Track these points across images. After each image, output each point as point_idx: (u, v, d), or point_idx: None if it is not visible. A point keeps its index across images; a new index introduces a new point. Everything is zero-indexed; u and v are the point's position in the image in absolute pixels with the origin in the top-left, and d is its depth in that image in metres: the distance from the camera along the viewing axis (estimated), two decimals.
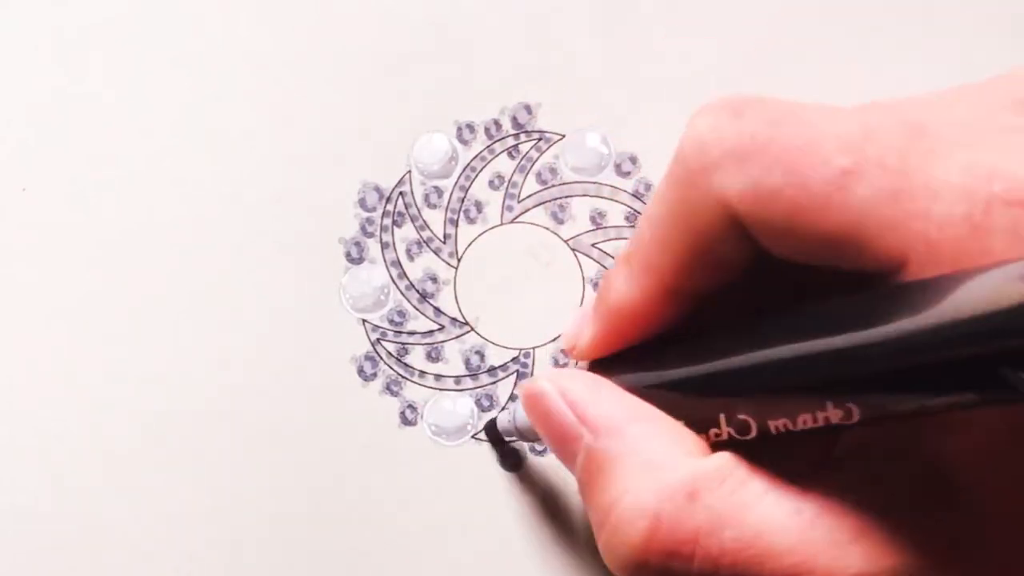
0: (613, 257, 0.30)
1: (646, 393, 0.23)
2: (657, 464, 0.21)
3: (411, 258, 0.30)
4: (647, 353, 0.23)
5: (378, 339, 0.30)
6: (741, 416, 0.21)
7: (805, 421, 0.20)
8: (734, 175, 0.20)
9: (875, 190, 0.19)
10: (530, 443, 0.29)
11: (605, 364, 0.24)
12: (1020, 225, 0.18)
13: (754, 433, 0.21)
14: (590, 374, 0.24)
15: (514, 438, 0.28)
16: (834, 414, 0.19)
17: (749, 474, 0.21)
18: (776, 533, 0.20)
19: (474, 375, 0.30)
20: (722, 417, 0.21)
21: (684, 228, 0.22)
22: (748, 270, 0.22)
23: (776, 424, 0.20)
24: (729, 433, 0.21)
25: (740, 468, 0.21)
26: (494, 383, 0.30)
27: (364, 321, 0.30)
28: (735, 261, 0.22)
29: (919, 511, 0.20)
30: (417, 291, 0.30)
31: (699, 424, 0.22)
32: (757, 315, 0.21)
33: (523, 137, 0.31)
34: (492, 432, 0.29)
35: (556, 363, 0.30)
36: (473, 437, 0.30)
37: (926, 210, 0.19)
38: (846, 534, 0.20)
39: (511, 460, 0.29)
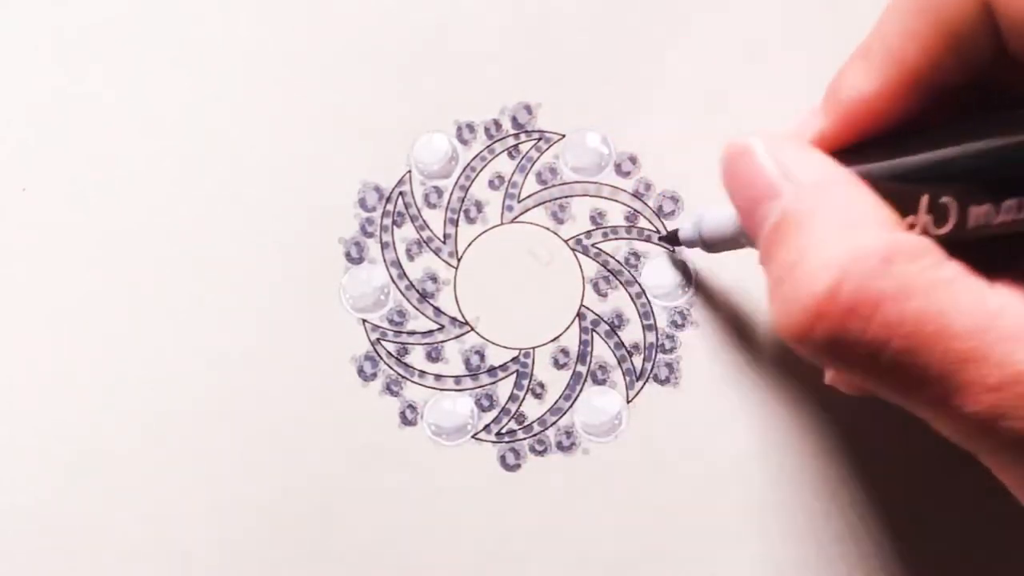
0: (613, 257, 0.30)
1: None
2: (856, 225, 0.21)
3: (411, 258, 0.30)
4: (866, 147, 0.23)
5: (378, 339, 0.30)
6: (943, 200, 0.21)
7: (1009, 211, 0.20)
8: None
9: None
10: (712, 252, 0.29)
11: None
12: None
13: (951, 223, 0.21)
14: (797, 139, 0.24)
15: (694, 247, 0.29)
16: None
17: (944, 258, 0.21)
18: (960, 315, 0.20)
19: (474, 375, 0.30)
20: (924, 199, 0.21)
21: (933, 17, 0.22)
22: (989, 71, 0.22)
23: (977, 212, 0.20)
24: (925, 225, 0.21)
25: (936, 250, 0.21)
26: (494, 383, 0.30)
27: (364, 321, 0.30)
28: (981, 55, 0.22)
29: None
30: (417, 291, 0.30)
31: (900, 207, 0.22)
32: (982, 113, 0.21)
33: (523, 137, 0.31)
34: (672, 238, 0.29)
35: (556, 364, 0.30)
36: (474, 437, 0.30)
37: None
38: (1018, 331, 0.20)
39: (681, 269, 0.30)
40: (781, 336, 0.21)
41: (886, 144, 0.23)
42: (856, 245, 0.20)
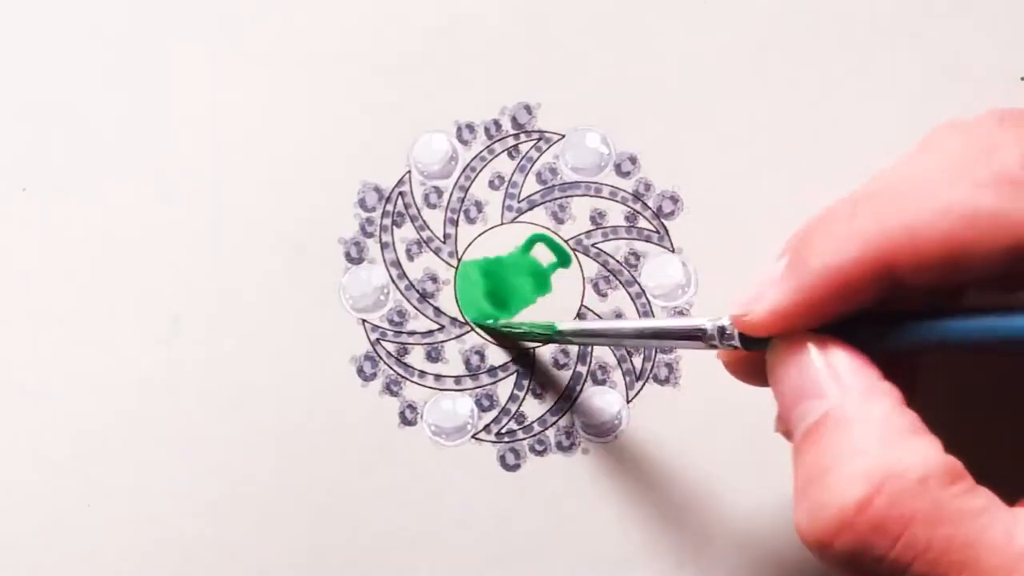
0: (613, 257, 0.30)
1: None
2: (895, 441, 0.21)
3: (411, 258, 0.30)
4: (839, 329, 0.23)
5: (378, 339, 0.30)
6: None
7: None
8: None
9: None
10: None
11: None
12: None
13: None
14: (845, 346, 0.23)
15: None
16: None
17: (975, 486, 0.21)
18: (988, 551, 0.20)
19: (474, 375, 0.30)
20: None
21: (956, 234, 0.21)
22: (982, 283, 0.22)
23: None
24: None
25: (968, 477, 0.21)
26: (494, 383, 0.30)
27: (364, 321, 0.30)
28: (983, 277, 0.22)
29: None
30: (417, 291, 0.30)
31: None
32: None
33: (523, 137, 0.31)
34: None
35: (556, 364, 0.30)
36: (474, 437, 0.30)
37: None
38: None
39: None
40: (800, 538, 0.21)
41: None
42: (894, 461, 0.20)
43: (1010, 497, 0.21)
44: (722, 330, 0.24)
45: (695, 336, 0.24)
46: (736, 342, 0.24)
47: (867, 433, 0.21)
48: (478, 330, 0.30)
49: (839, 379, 0.22)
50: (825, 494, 0.21)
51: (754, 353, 0.24)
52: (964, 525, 0.20)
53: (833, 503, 0.20)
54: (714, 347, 0.24)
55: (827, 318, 0.23)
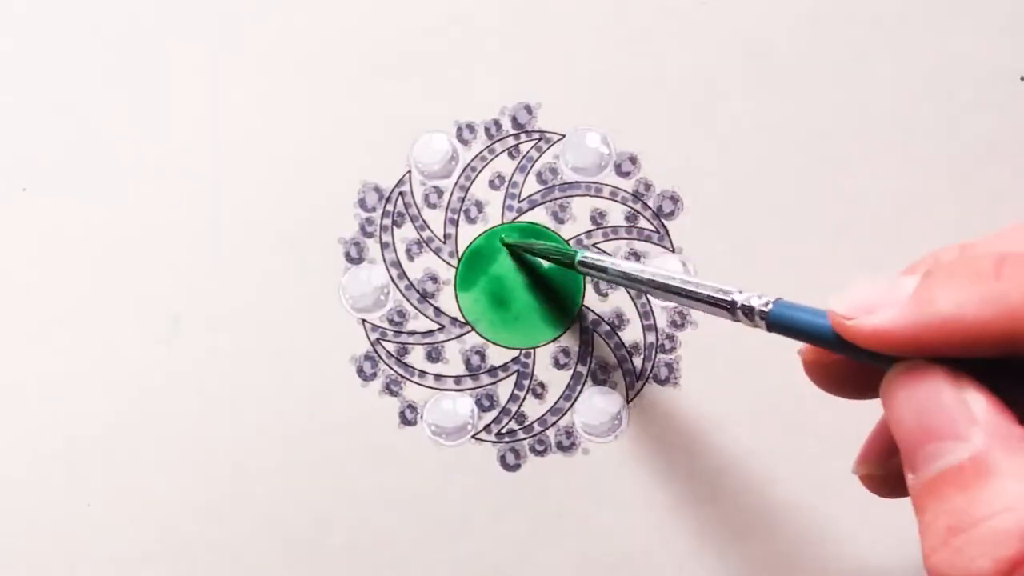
0: (614, 257, 0.30)
1: None
2: None
3: (411, 258, 0.30)
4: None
5: (378, 339, 0.30)
6: None
7: None
8: None
9: None
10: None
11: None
12: None
13: None
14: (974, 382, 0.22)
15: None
16: None
17: None
18: None
19: (474, 375, 0.30)
20: None
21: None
22: None
23: None
24: None
25: None
26: (494, 383, 0.30)
27: (364, 321, 0.30)
28: None
29: None
30: (417, 291, 0.30)
31: None
32: None
33: (523, 137, 0.31)
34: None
35: (556, 364, 0.30)
36: (474, 437, 0.30)
37: None
38: None
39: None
40: None
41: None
42: None
43: None
44: (749, 308, 0.23)
45: (721, 305, 0.24)
46: (761, 325, 0.23)
47: (1017, 487, 0.20)
48: (478, 329, 0.30)
49: (978, 421, 0.21)
50: (976, 546, 0.20)
51: (840, 360, 0.23)
52: None
53: (984, 558, 0.20)
54: (738, 320, 0.24)
55: (937, 356, 0.22)
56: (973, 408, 0.21)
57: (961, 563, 0.21)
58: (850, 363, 0.24)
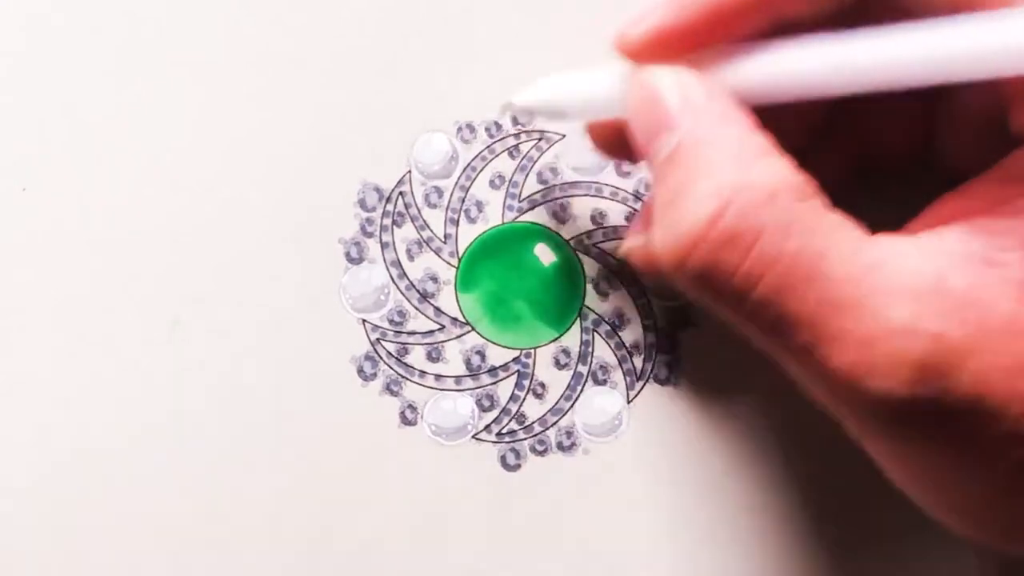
0: (614, 257, 0.30)
1: None
2: (747, 158, 0.21)
3: (411, 258, 0.30)
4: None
5: (378, 339, 0.30)
6: None
7: None
8: None
9: None
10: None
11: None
12: None
13: None
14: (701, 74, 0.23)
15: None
16: None
17: (829, 205, 0.21)
18: (839, 261, 0.20)
19: (474, 375, 0.30)
20: None
21: None
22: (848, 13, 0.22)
23: None
24: None
25: (822, 196, 0.21)
26: (494, 383, 0.30)
27: (364, 321, 0.30)
28: None
29: (981, 289, 0.19)
30: (417, 291, 0.30)
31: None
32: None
33: (523, 137, 0.31)
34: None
35: (557, 364, 0.30)
36: (474, 437, 0.30)
37: None
38: (904, 287, 0.19)
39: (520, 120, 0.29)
40: (660, 262, 0.21)
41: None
42: (745, 176, 0.20)
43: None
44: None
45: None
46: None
47: (719, 153, 0.21)
48: (478, 330, 0.30)
49: (691, 106, 0.22)
50: (678, 213, 0.21)
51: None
52: (816, 237, 0.20)
53: (685, 221, 0.21)
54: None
55: (708, 44, 0.23)
56: (688, 96, 0.22)
57: (668, 234, 0.21)
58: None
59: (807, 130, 0.25)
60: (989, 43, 0.20)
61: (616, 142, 0.26)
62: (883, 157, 0.27)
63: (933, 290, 0.19)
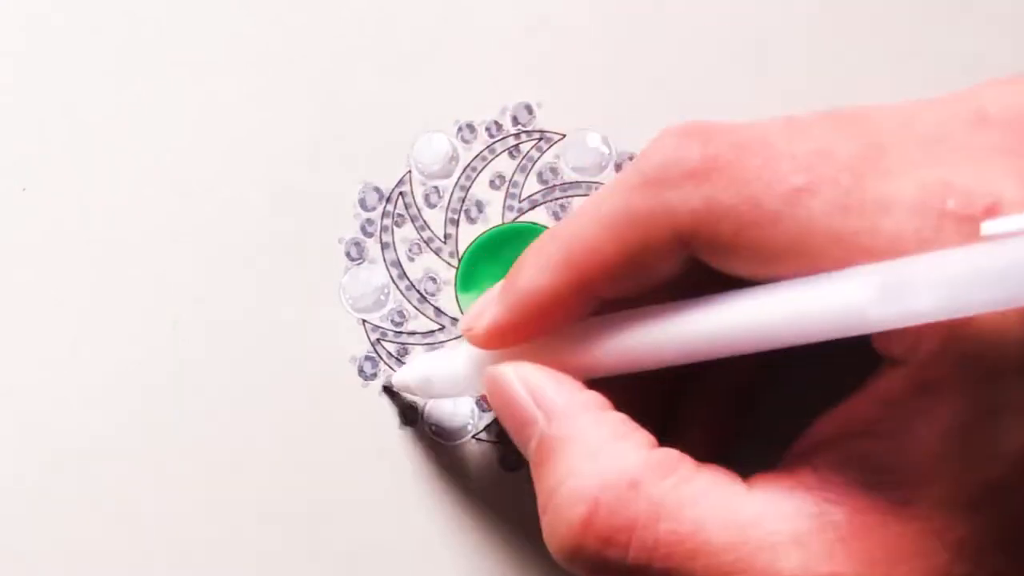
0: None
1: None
2: (603, 453, 0.21)
3: (411, 258, 0.30)
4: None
5: (378, 339, 0.30)
6: None
7: None
8: (690, 193, 0.21)
9: (826, 205, 0.19)
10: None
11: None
12: (970, 240, 0.18)
13: None
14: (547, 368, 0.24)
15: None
16: None
17: (695, 470, 0.21)
18: (716, 529, 0.20)
19: None
20: None
21: (623, 238, 0.22)
22: (671, 285, 0.22)
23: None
24: None
25: (686, 463, 0.21)
26: None
27: (364, 321, 0.30)
28: (664, 276, 0.22)
29: (863, 516, 0.20)
30: (417, 291, 0.30)
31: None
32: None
33: (524, 137, 0.31)
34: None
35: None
36: (474, 437, 0.30)
37: (874, 226, 0.19)
38: (786, 536, 0.20)
39: (409, 415, 0.29)
40: (553, 554, 0.22)
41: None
42: (604, 473, 0.21)
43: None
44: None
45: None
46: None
47: (576, 451, 0.22)
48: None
49: (541, 402, 0.23)
50: (556, 518, 0.22)
51: None
52: (687, 512, 0.20)
53: (562, 528, 0.21)
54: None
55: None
56: (535, 390, 0.23)
57: (551, 536, 0.22)
58: None
59: (674, 375, 0.25)
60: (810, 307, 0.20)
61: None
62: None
63: (817, 529, 0.20)
